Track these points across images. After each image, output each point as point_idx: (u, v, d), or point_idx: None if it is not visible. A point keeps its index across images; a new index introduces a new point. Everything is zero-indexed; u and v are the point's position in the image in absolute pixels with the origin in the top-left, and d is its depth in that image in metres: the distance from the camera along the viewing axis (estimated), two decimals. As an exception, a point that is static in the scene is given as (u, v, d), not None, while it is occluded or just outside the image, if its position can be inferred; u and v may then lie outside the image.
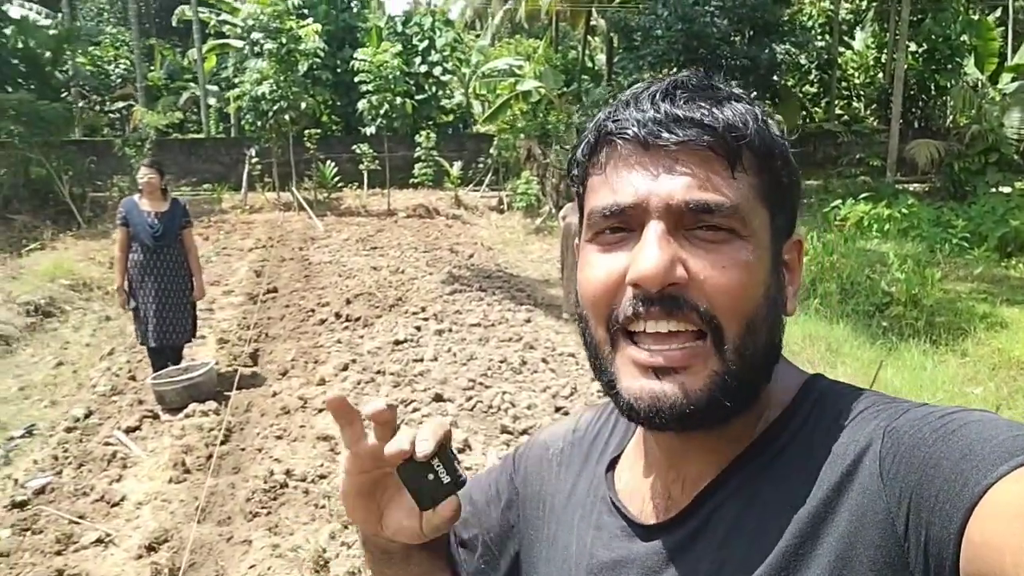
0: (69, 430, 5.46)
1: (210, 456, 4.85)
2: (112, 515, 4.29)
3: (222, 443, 5.08)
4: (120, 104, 26.56)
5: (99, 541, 3.97)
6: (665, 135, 0.66)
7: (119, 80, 27.23)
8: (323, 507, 4.24)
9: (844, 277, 9.58)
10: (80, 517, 4.23)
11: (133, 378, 6.54)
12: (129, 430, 5.37)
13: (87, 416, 5.71)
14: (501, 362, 6.74)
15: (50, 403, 6.31)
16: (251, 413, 5.70)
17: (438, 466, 0.73)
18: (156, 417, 5.60)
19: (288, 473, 4.56)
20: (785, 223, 0.73)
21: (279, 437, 5.18)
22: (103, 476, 4.71)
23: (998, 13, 24.44)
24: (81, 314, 9.45)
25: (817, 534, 0.63)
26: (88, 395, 6.28)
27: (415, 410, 5.61)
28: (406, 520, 0.78)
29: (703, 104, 0.68)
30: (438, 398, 5.85)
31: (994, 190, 15.79)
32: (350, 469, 0.78)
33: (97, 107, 26.42)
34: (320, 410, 5.66)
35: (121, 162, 17.39)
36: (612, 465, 0.84)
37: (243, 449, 5.03)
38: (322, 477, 4.59)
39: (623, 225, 0.68)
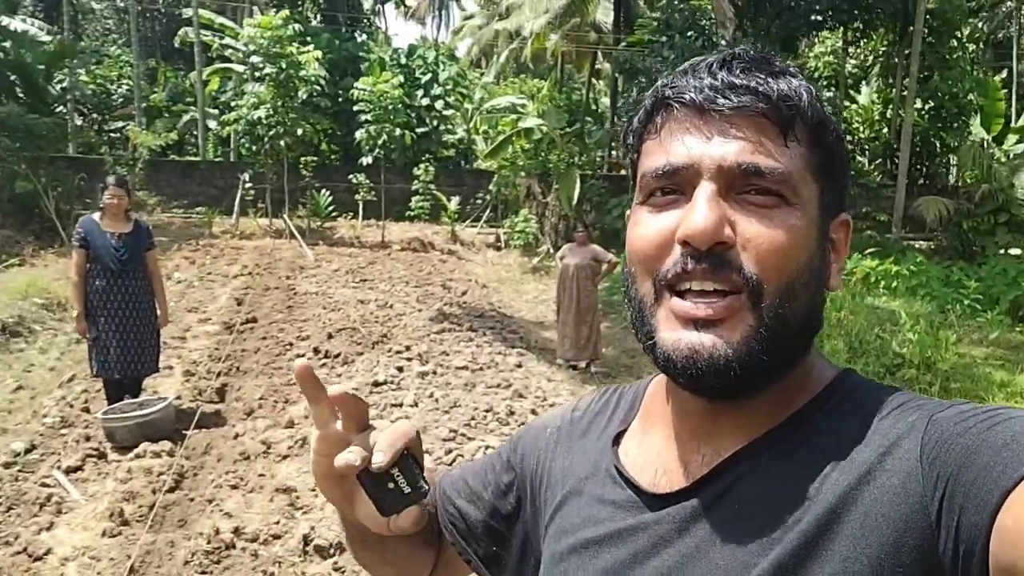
0: (7, 466, 4.93)
1: (153, 506, 4.33)
2: (32, 571, 3.76)
3: (170, 491, 4.56)
4: (120, 124, 26.29)
5: (9, 605, 3.45)
6: (721, 100, 0.68)
7: (120, 100, 27.01)
8: (272, 575, 3.72)
9: (853, 335, 9.13)
10: (-5, 573, 3.71)
11: (87, 410, 6.02)
12: (70, 470, 4.85)
13: (28, 451, 5.18)
14: (487, 411, 6.25)
15: (0, 431, 5.80)
16: (208, 457, 5.19)
17: (398, 476, 0.71)
18: (102, 456, 5.08)
19: (237, 531, 4.04)
20: (834, 200, 0.73)
21: (234, 487, 4.66)
22: (32, 523, 4.19)
23: (1003, 75, 24.41)
24: (51, 335, 8.95)
25: (842, 515, 0.62)
26: (38, 426, 5.77)
27: (388, 461, 5.10)
28: (373, 512, 0.75)
29: (759, 74, 0.69)
30: (415, 449, 5.35)
31: (1003, 251, 15.44)
32: (318, 450, 0.75)
33: (96, 126, 26.15)
34: (284, 456, 5.16)
35: (112, 181, 17.00)
36: (617, 440, 0.83)
37: (192, 499, 4.51)
38: (276, 537, 4.07)
39: (675, 187, 0.70)
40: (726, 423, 0.72)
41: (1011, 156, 18.03)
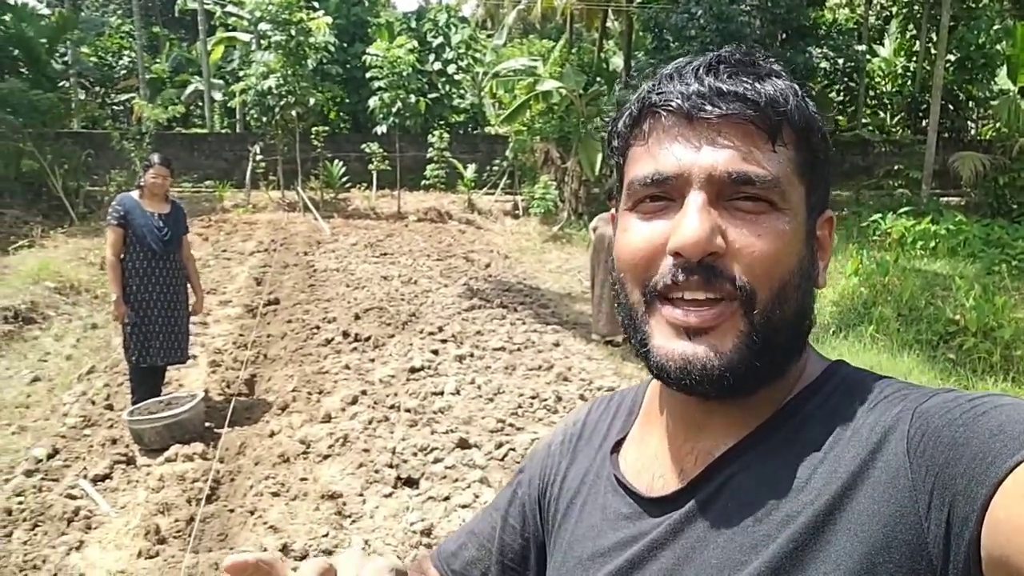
0: (29, 474, 4.58)
1: (191, 519, 3.99)
2: (65, 601, 3.44)
3: (207, 501, 4.21)
4: (123, 97, 25.79)
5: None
6: (708, 108, 0.67)
7: (123, 72, 26.46)
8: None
9: (902, 302, 8.70)
10: (24, 604, 3.38)
11: (110, 407, 5.67)
12: (98, 478, 4.50)
13: (51, 456, 4.84)
14: (532, 397, 5.87)
15: (19, 429, 5.46)
16: (243, 459, 4.83)
17: None
18: (131, 462, 4.72)
19: (286, 548, 3.69)
20: (819, 199, 0.72)
21: (275, 494, 4.30)
22: (60, 542, 3.84)
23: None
24: (65, 320, 8.61)
25: (834, 513, 0.61)
26: (57, 425, 5.42)
27: (437, 460, 4.74)
28: None
29: (746, 79, 0.68)
30: (463, 444, 4.98)
31: (1039, 208, 14.92)
32: None
33: (100, 100, 25.65)
34: (325, 456, 4.80)
35: (119, 156, 16.58)
36: (617, 448, 0.83)
37: (231, 510, 4.15)
38: (327, 553, 3.72)
39: (664, 194, 0.69)
40: (718, 421, 0.72)
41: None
